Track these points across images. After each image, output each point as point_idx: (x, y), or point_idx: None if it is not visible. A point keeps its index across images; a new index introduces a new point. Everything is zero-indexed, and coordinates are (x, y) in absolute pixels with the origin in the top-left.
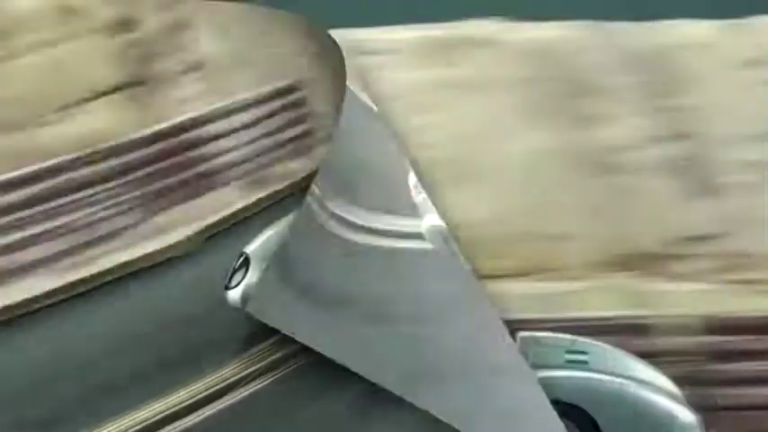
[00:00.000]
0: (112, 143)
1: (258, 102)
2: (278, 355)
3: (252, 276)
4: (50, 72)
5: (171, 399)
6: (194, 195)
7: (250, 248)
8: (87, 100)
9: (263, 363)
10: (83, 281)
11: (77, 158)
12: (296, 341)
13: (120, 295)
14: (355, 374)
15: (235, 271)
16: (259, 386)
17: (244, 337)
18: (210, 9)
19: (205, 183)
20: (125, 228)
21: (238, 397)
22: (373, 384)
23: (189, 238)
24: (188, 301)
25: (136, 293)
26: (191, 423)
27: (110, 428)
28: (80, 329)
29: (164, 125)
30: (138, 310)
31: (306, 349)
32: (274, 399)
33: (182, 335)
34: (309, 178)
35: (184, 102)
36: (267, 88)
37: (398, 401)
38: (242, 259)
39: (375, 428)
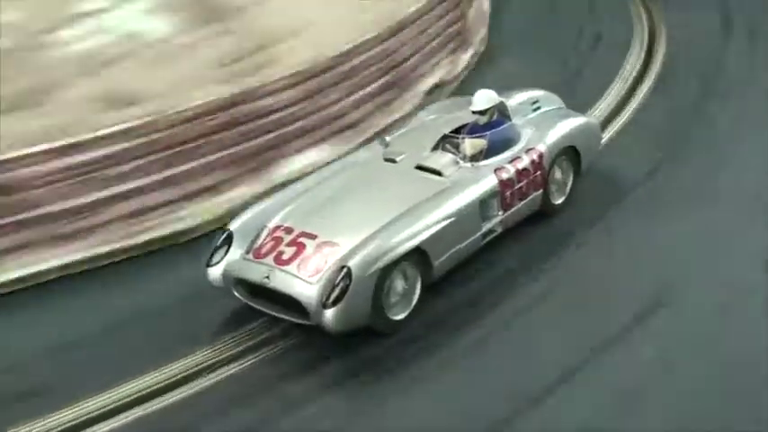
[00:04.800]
0: None
1: None
2: (251, 342)
3: (234, 253)
4: None
5: (142, 380)
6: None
7: (234, 225)
8: None
9: (237, 349)
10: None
11: None
12: (270, 328)
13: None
14: (329, 356)
15: (217, 248)
16: (231, 371)
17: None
18: None
19: None
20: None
21: (210, 381)
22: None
23: None
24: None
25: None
26: (166, 403)
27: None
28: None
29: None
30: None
31: (283, 336)
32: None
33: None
34: None
35: None
36: None
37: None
38: (225, 235)
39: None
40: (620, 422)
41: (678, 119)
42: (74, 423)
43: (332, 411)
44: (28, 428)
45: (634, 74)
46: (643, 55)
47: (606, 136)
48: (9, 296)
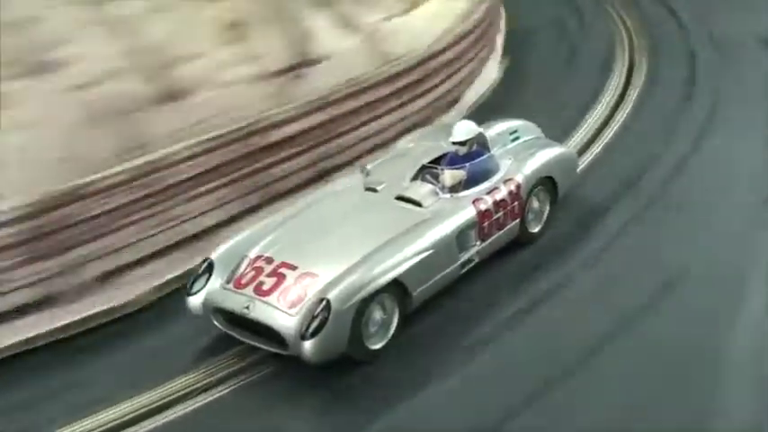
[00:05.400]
0: None
1: None
2: (239, 365)
3: (214, 282)
4: None
5: (130, 404)
6: None
7: (215, 254)
8: None
9: (224, 372)
10: None
11: None
12: (256, 352)
13: None
14: (316, 383)
15: (197, 277)
16: (219, 394)
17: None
18: None
19: None
20: None
21: (199, 403)
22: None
23: None
24: None
25: None
26: (152, 426)
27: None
28: None
29: None
30: None
31: (267, 360)
32: (234, 406)
33: None
34: None
35: None
36: None
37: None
38: (206, 264)
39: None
40: None
41: None
42: None
43: None
44: None
45: None
46: None
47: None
48: None
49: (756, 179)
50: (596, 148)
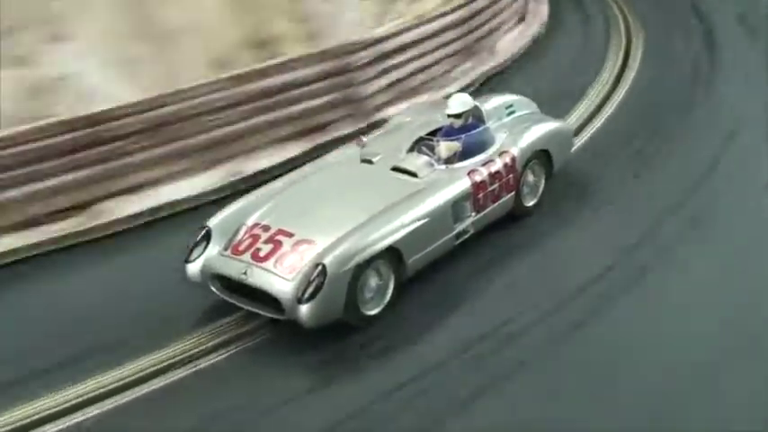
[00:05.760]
0: None
1: None
2: (236, 331)
3: (212, 249)
4: None
5: (127, 368)
6: None
7: (212, 222)
8: None
9: (222, 338)
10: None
11: None
12: (254, 318)
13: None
14: (314, 348)
15: (196, 244)
16: (217, 359)
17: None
18: None
19: None
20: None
21: (195, 368)
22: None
23: None
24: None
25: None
26: (148, 390)
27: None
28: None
29: None
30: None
31: (264, 326)
32: (228, 373)
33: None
34: None
35: None
36: None
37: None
38: (203, 232)
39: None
40: None
41: None
42: (55, 411)
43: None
44: None
45: None
46: None
47: None
48: None
49: None
50: None
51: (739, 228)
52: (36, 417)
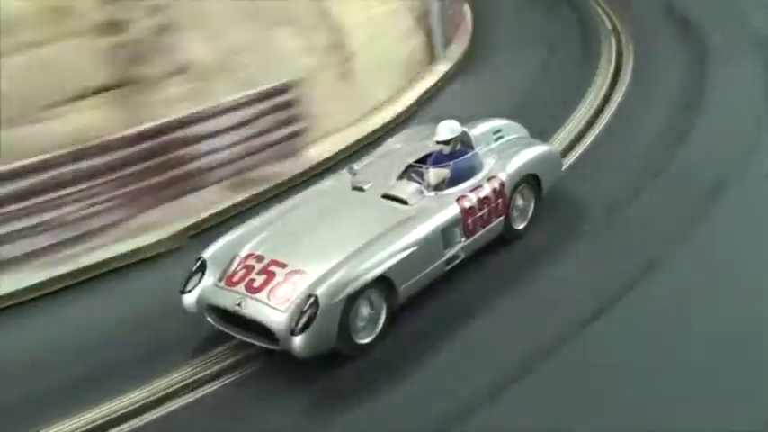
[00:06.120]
0: (99, 141)
1: (245, 104)
2: (230, 360)
3: (207, 280)
4: (39, 71)
5: (121, 400)
6: (179, 194)
7: (207, 253)
8: (75, 99)
9: (215, 368)
10: (69, 275)
11: (64, 155)
12: (248, 347)
13: (101, 292)
14: (308, 378)
15: (191, 275)
16: (209, 390)
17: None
18: (199, 11)
19: (191, 182)
20: (111, 224)
21: (188, 400)
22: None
23: (173, 237)
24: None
25: (115, 289)
26: (141, 423)
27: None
28: (57, 326)
29: (150, 125)
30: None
31: (258, 355)
32: (224, 402)
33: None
34: (296, 179)
35: (171, 103)
36: (255, 91)
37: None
38: (199, 263)
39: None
40: None
41: None
42: None
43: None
44: None
45: None
46: None
47: None
48: None
49: None
50: None
51: (739, 228)
52: None
